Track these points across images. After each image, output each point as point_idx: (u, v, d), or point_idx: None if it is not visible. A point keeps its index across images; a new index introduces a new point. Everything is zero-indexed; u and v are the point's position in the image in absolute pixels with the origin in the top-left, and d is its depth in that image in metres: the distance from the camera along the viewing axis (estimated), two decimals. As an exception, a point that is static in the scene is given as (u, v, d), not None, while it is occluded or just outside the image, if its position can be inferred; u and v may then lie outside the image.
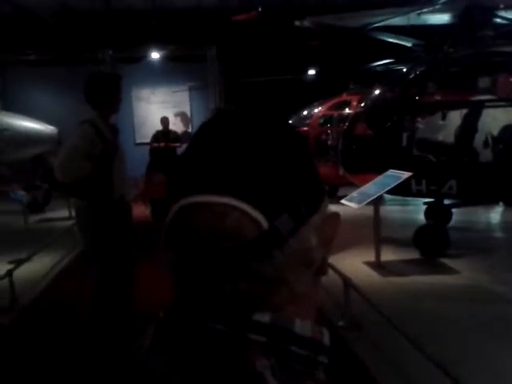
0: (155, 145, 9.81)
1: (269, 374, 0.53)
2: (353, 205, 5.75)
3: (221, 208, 0.54)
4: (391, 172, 5.93)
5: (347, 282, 4.27)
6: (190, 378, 0.54)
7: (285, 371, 0.56)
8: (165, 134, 9.85)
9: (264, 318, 0.57)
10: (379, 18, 8.29)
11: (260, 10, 10.09)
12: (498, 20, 7.57)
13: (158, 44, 14.85)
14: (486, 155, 6.52)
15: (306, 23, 8.55)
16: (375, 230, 5.79)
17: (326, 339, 0.61)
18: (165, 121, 10.11)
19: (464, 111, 6.56)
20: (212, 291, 0.56)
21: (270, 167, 0.56)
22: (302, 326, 0.59)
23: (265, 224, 0.54)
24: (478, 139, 6.53)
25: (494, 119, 6.73)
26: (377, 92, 7.50)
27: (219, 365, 0.54)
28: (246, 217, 0.54)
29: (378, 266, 5.71)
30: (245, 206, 0.54)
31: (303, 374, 0.57)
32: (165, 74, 15.23)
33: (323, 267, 0.63)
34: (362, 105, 7.81)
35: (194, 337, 0.56)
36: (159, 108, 15.00)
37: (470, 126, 6.39)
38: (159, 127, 10.11)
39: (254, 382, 0.53)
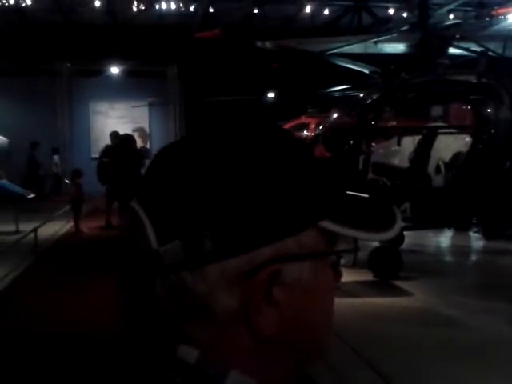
0: (105, 160, 9.29)
1: None
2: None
3: (135, 214, 0.50)
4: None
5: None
6: None
7: None
8: (115, 150, 9.30)
9: (190, 356, 0.48)
10: (338, 44, 8.52)
11: (222, 28, 10.21)
12: (455, 50, 7.90)
13: (118, 58, 14.75)
14: (438, 181, 6.73)
15: (268, 45, 8.70)
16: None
17: None
18: (114, 136, 9.70)
19: (418, 137, 6.77)
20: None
21: (182, 184, 0.49)
22: (239, 382, 0.47)
23: (154, 244, 0.47)
24: (431, 165, 6.75)
25: (446, 146, 6.97)
26: (335, 115, 7.65)
27: None
28: (143, 229, 0.49)
29: (333, 287, 5.75)
30: (145, 218, 0.49)
31: None
32: (124, 89, 15.10)
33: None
34: (321, 127, 7.94)
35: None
36: (117, 123, 14.85)
37: (423, 151, 6.60)
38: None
39: None
